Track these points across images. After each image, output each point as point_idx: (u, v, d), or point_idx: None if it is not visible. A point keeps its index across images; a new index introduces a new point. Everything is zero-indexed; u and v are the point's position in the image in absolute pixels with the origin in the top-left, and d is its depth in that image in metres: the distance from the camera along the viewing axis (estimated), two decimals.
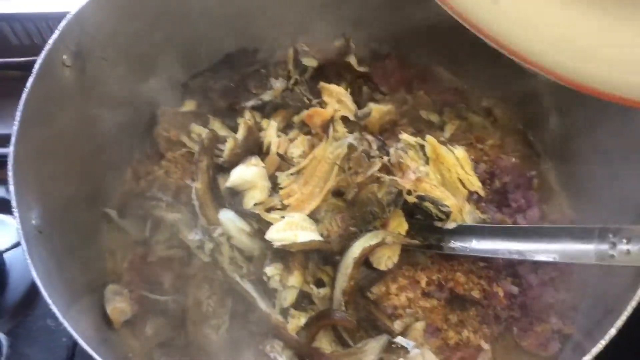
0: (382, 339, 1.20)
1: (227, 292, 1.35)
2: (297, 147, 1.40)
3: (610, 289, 1.21)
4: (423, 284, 1.34)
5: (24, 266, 1.62)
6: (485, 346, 1.32)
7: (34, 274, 1.08)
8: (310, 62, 1.57)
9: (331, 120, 1.39)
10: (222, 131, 1.51)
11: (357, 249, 1.27)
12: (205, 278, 1.36)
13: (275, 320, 1.26)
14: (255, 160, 1.36)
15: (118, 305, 1.35)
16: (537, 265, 1.37)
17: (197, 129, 1.51)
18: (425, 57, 1.74)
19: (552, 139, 1.57)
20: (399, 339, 1.25)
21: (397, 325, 1.31)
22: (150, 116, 1.56)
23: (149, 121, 1.56)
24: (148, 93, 1.52)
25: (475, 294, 1.34)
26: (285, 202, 1.33)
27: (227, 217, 1.31)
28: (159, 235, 1.44)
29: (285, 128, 1.51)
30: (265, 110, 1.54)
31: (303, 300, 1.31)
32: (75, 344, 1.50)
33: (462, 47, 1.66)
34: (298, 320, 1.26)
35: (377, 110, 1.48)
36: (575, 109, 1.48)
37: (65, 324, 1.05)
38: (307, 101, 1.49)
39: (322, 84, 1.48)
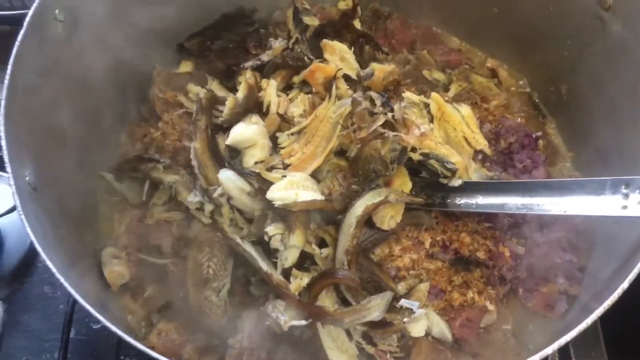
0: (387, 296, 1.16)
1: (228, 254, 1.32)
2: (297, 106, 1.36)
3: (618, 249, 1.18)
4: (427, 245, 1.32)
5: (20, 232, 1.60)
6: (490, 307, 1.30)
7: (29, 231, 1.04)
8: (312, 21, 1.51)
9: (334, 77, 1.35)
10: (220, 92, 1.46)
11: (359, 207, 1.24)
12: (206, 240, 1.32)
13: (277, 280, 1.23)
14: (255, 118, 1.32)
15: (115, 269, 1.33)
16: (542, 224, 1.34)
17: (195, 89, 1.47)
18: (428, 18, 1.71)
19: (558, 100, 1.54)
20: (404, 301, 1.22)
21: (401, 287, 1.29)
22: (146, 77, 1.52)
23: (145, 82, 1.52)
24: (143, 53, 1.48)
25: (481, 254, 1.31)
26: (287, 161, 1.29)
27: (227, 177, 1.27)
28: (156, 198, 1.40)
29: (285, 89, 1.46)
30: (265, 70, 1.49)
31: (305, 261, 1.28)
32: (72, 310, 1.47)
33: (465, 7, 1.63)
34: (301, 281, 1.23)
35: (381, 70, 1.43)
36: (583, 69, 1.45)
37: (64, 282, 1.02)
38: (307, 60, 1.44)
39: (324, 40, 1.43)
